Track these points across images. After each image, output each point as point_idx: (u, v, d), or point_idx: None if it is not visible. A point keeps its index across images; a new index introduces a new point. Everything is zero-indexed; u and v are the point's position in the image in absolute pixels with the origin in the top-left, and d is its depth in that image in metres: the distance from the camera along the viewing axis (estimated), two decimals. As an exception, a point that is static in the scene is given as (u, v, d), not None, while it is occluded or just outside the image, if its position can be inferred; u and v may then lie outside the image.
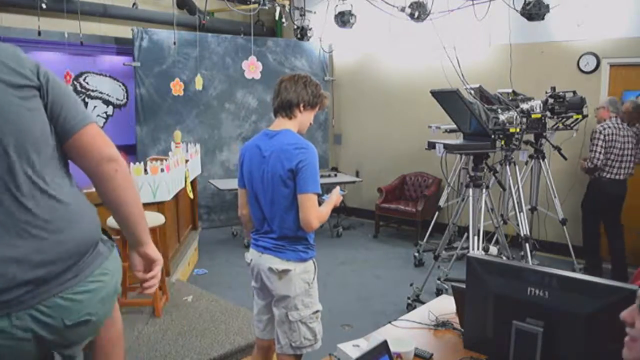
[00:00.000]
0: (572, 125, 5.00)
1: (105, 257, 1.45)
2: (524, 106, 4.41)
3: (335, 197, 2.46)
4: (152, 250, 1.53)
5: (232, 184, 6.26)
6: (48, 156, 1.37)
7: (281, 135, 2.35)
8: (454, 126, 4.64)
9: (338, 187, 2.56)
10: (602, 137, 4.69)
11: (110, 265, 1.47)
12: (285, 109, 2.38)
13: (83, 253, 1.38)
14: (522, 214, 4.58)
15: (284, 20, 6.67)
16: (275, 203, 2.31)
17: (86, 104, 6.44)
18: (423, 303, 3.33)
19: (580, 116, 4.87)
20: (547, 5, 4.73)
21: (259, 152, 2.36)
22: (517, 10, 4.86)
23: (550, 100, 4.76)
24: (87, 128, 1.44)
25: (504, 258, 4.28)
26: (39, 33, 5.48)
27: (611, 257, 4.95)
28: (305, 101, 2.37)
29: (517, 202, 4.60)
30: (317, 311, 2.41)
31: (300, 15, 6.52)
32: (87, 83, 6.41)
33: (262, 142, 2.38)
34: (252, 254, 2.45)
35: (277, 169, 2.28)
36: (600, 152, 4.68)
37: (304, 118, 2.42)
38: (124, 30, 6.44)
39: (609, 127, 4.71)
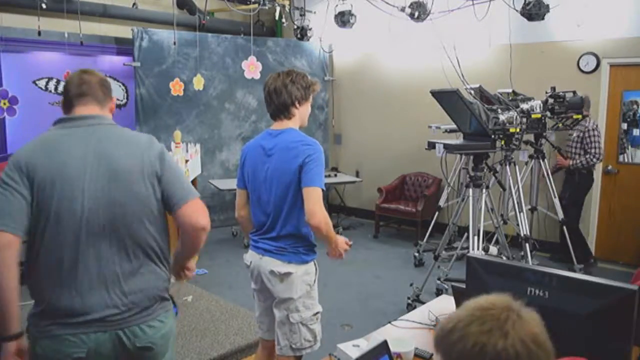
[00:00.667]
0: (572, 125, 5.02)
1: (166, 309, 1.90)
2: (524, 106, 4.41)
3: (340, 239, 2.41)
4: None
5: (232, 184, 6.24)
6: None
7: (285, 134, 2.35)
8: (454, 126, 4.64)
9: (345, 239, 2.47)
10: (598, 133, 5.05)
11: (169, 315, 1.93)
12: (282, 111, 2.36)
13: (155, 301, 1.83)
14: (522, 214, 4.58)
15: (284, 20, 6.67)
16: (280, 200, 2.30)
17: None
18: (423, 303, 3.33)
19: (580, 116, 4.89)
20: (547, 5, 4.73)
21: (263, 151, 2.36)
22: (517, 10, 4.86)
23: (550, 100, 4.77)
24: None
25: (504, 258, 4.27)
26: (39, 33, 5.48)
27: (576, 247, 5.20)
28: (299, 97, 2.36)
29: (517, 202, 4.60)
30: (317, 312, 2.40)
31: (300, 15, 6.51)
32: (87, 83, 6.41)
33: (266, 141, 2.38)
34: (251, 256, 2.45)
35: (284, 166, 2.28)
36: (601, 147, 5.04)
37: (302, 112, 2.42)
38: (124, 30, 6.44)
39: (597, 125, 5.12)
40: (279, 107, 2.35)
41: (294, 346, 2.35)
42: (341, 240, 2.40)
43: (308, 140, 2.31)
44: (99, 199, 1.67)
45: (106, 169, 1.69)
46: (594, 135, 5.01)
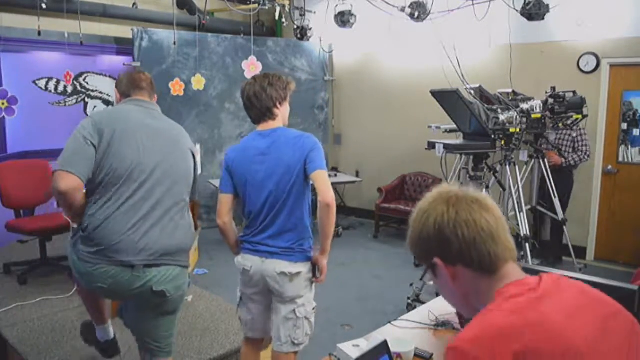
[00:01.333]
0: (572, 125, 5.02)
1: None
2: (524, 106, 4.41)
3: (323, 263, 2.50)
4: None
5: (232, 184, 6.27)
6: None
7: (279, 131, 2.41)
8: (454, 126, 4.64)
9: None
10: (586, 132, 5.27)
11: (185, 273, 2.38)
12: (265, 114, 2.41)
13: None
14: (522, 214, 4.58)
15: (284, 20, 6.67)
16: (286, 193, 2.35)
17: (86, 104, 6.45)
18: (423, 303, 3.33)
19: (580, 116, 4.88)
20: (547, 5, 4.73)
21: (257, 152, 2.39)
22: (517, 10, 4.86)
23: (550, 100, 4.76)
24: None
25: (504, 258, 4.27)
26: (39, 33, 5.48)
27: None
28: (279, 98, 2.43)
29: (517, 202, 4.59)
30: (315, 306, 2.49)
31: (300, 15, 6.51)
32: (87, 83, 6.42)
33: (257, 142, 2.41)
34: (250, 260, 2.44)
35: (289, 159, 2.34)
36: (590, 146, 5.30)
37: (284, 112, 2.49)
38: (124, 30, 6.44)
39: None
40: (261, 111, 2.40)
41: (295, 341, 2.40)
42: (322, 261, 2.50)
43: (305, 133, 2.43)
44: (150, 156, 2.20)
45: (156, 135, 2.28)
46: (584, 134, 5.22)
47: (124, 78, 2.43)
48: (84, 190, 2.15)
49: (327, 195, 2.35)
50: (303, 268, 2.38)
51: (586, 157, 5.23)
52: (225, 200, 2.46)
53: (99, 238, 2.08)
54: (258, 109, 2.39)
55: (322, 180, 2.34)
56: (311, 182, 2.40)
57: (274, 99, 2.39)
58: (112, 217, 2.09)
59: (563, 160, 5.24)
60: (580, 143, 5.24)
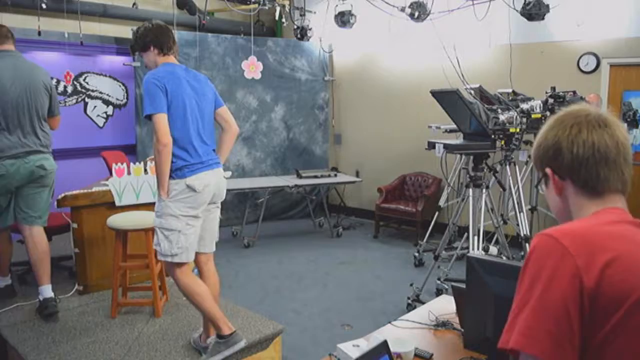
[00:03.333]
0: None
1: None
2: (524, 106, 4.41)
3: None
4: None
5: (232, 184, 6.28)
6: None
7: (191, 71, 2.90)
8: (454, 126, 4.64)
9: None
10: None
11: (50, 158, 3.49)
12: (176, 50, 2.91)
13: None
14: (522, 214, 4.58)
15: (284, 20, 6.67)
16: (211, 121, 2.89)
17: (86, 104, 6.45)
18: (423, 303, 3.33)
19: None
20: (547, 5, 4.73)
21: (188, 82, 2.77)
22: (517, 10, 4.86)
23: (550, 100, 4.76)
24: None
25: (504, 258, 4.27)
26: (39, 33, 5.48)
27: None
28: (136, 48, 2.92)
29: (517, 202, 4.60)
30: None
31: (300, 15, 6.51)
32: (87, 83, 6.41)
33: (184, 73, 2.81)
34: (208, 176, 2.76)
35: (210, 94, 2.89)
36: None
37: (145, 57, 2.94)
38: (124, 30, 6.43)
39: None
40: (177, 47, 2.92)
41: (217, 240, 2.98)
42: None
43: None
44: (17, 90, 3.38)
45: (22, 76, 3.43)
46: None
47: None
48: None
49: (234, 124, 3.02)
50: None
51: None
52: (167, 119, 2.74)
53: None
54: (176, 45, 2.93)
55: (228, 112, 3.02)
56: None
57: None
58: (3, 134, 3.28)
59: None
60: None
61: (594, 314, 0.94)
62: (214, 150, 2.89)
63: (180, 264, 2.76)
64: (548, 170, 1.16)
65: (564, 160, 1.12)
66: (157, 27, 2.82)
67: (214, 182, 2.79)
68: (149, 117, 2.66)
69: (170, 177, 2.68)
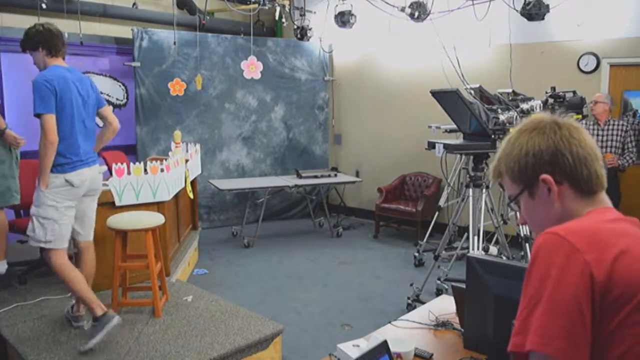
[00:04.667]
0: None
1: None
2: (524, 106, 4.41)
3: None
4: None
5: (232, 184, 6.28)
6: None
7: (76, 72, 3.08)
8: (454, 126, 4.64)
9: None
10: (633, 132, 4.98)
11: None
12: (64, 53, 3.06)
13: None
14: (522, 214, 4.57)
15: (284, 20, 6.68)
16: (93, 120, 3.12)
17: (86, 104, 6.44)
18: (423, 303, 3.33)
19: (580, 116, 4.87)
20: (547, 5, 4.73)
21: (74, 84, 2.97)
22: (517, 10, 4.86)
23: (550, 100, 4.76)
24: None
25: (504, 258, 4.27)
26: (39, 33, 5.47)
27: None
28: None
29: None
30: None
31: (300, 15, 6.51)
32: (87, 83, 6.41)
33: (70, 75, 2.99)
34: (84, 173, 3.04)
35: (93, 94, 3.13)
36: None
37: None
38: (124, 30, 6.43)
39: None
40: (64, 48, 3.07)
41: (94, 227, 3.31)
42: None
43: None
44: None
45: None
46: (628, 129, 4.93)
47: None
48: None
49: (115, 120, 3.27)
50: None
51: (634, 158, 4.87)
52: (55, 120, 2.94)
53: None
54: (64, 46, 3.08)
55: (110, 111, 3.30)
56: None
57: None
58: None
59: (620, 160, 4.89)
60: (631, 143, 4.87)
61: (605, 308, 0.94)
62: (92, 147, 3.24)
63: (55, 251, 3.03)
64: (546, 177, 1.10)
65: (565, 162, 1.08)
66: (47, 30, 3.02)
67: (90, 178, 3.11)
68: (39, 116, 2.86)
69: (51, 170, 2.93)
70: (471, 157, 4.44)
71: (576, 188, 1.10)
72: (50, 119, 2.85)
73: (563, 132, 1.10)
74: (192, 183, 5.27)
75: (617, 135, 4.92)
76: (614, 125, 4.95)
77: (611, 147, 4.92)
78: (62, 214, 2.99)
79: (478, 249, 4.15)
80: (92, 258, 3.32)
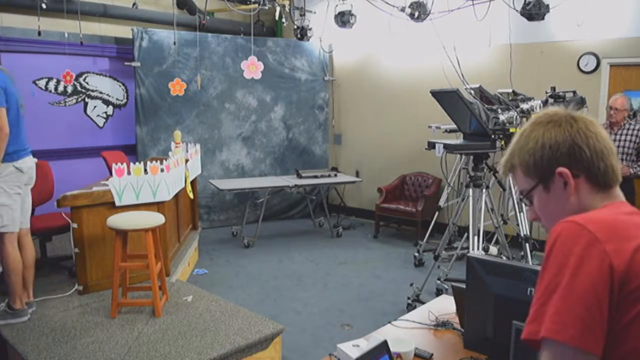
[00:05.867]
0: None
1: None
2: (524, 106, 4.41)
3: None
4: None
5: (232, 184, 6.28)
6: None
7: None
8: (454, 126, 4.64)
9: None
10: None
11: None
12: None
13: None
14: (522, 214, 4.58)
15: (284, 20, 6.67)
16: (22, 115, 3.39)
17: (86, 104, 6.45)
18: (423, 303, 3.33)
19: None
20: (547, 5, 4.73)
21: (10, 80, 3.27)
22: (517, 10, 4.86)
23: (550, 100, 4.76)
24: None
25: (504, 258, 4.28)
26: (39, 33, 5.48)
27: None
28: None
29: (517, 202, 4.59)
30: None
31: (300, 15, 6.51)
32: (87, 83, 6.41)
33: (6, 70, 3.28)
34: (29, 160, 3.35)
35: (18, 94, 3.36)
36: None
37: None
38: (124, 30, 6.44)
39: None
40: None
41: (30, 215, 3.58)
42: None
43: None
44: None
45: None
46: None
47: None
48: None
49: None
50: None
51: None
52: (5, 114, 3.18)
53: None
54: None
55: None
56: None
57: None
58: None
59: (631, 170, 4.55)
60: None
61: (622, 298, 0.93)
62: None
63: (9, 235, 3.29)
64: (563, 170, 1.08)
65: (583, 155, 1.07)
66: None
67: (32, 166, 3.43)
68: None
69: (3, 160, 3.19)
70: (471, 157, 4.44)
71: (592, 182, 1.09)
72: (3, 113, 3.16)
73: (579, 125, 1.09)
74: (192, 183, 5.27)
75: (630, 141, 4.60)
76: (627, 129, 4.64)
77: (623, 153, 4.60)
78: (14, 200, 3.29)
79: (478, 249, 4.15)
80: (31, 243, 3.60)
